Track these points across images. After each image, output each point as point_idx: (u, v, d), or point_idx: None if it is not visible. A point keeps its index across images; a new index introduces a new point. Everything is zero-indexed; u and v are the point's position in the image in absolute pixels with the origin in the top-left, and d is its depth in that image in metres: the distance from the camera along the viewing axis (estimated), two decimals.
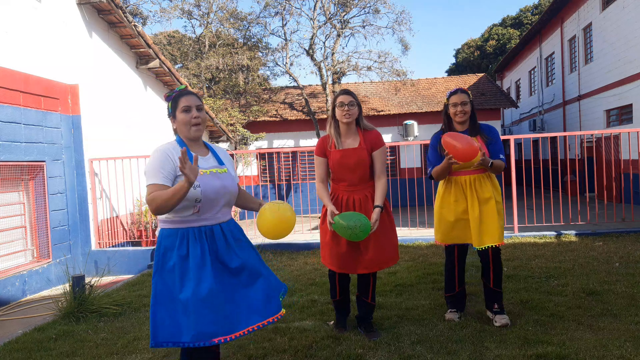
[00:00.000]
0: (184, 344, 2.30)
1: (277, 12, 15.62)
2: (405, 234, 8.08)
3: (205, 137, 12.85)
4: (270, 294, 2.55)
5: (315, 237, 8.20)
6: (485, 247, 3.58)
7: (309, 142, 17.23)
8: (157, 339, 2.34)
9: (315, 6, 15.16)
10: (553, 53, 18.07)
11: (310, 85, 19.34)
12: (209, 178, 2.42)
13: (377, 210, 3.35)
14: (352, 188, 3.47)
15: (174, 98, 2.47)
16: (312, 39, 15.24)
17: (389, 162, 16.73)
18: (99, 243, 7.44)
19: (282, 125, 17.30)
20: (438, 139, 3.65)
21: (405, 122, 16.01)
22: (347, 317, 3.79)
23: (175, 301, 2.33)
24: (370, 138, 3.47)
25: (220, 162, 2.56)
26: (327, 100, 15.44)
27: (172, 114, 2.47)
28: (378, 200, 3.39)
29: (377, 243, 3.41)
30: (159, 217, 2.43)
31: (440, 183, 3.79)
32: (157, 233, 2.51)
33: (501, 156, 3.60)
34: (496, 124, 16.75)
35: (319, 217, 3.75)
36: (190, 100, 2.45)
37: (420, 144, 14.91)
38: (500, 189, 3.73)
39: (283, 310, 2.59)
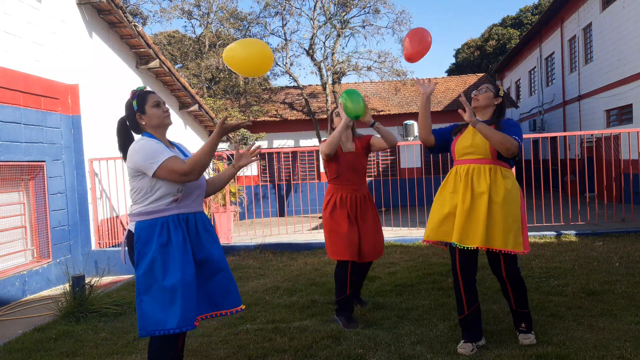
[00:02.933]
0: (170, 330, 2.36)
1: (277, 12, 15.62)
2: (405, 234, 8.08)
3: (205, 137, 12.86)
4: (230, 288, 2.64)
5: (315, 237, 8.20)
6: (466, 247, 3.09)
7: (309, 142, 17.23)
8: (147, 329, 2.40)
9: (315, 6, 15.16)
10: (553, 53, 18.07)
11: (310, 85, 19.34)
12: None
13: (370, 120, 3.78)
14: (354, 187, 3.93)
15: (139, 96, 2.58)
16: (312, 39, 15.24)
17: (388, 162, 16.75)
18: (99, 243, 7.44)
19: (282, 125, 17.30)
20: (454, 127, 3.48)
21: (405, 122, 16.01)
22: (353, 312, 3.92)
23: (160, 289, 2.39)
24: (362, 142, 4.03)
25: (187, 156, 2.69)
26: (327, 100, 15.44)
27: (140, 110, 2.57)
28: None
29: (376, 234, 3.96)
30: (133, 211, 2.50)
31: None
32: (128, 229, 2.53)
33: (513, 136, 3.11)
34: None
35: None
36: (156, 97, 2.62)
37: (420, 144, 14.90)
38: (513, 189, 3.15)
39: (243, 305, 2.70)
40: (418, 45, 3.44)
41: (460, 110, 3.19)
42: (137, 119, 2.58)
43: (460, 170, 3.26)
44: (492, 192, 3.12)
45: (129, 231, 2.52)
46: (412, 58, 3.50)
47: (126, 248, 2.58)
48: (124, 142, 2.65)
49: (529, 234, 7.20)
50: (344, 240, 3.79)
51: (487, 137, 3.09)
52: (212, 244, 2.62)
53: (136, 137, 2.69)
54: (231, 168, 2.82)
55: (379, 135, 3.89)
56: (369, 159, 4.10)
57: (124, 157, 2.60)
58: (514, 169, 7.33)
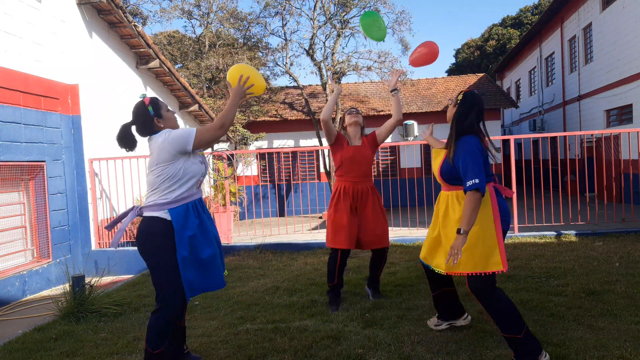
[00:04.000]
0: (208, 289, 2.89)
1: (277, 12, 15.61)
2: (405, 234, 8.07)
3: None
4: (221, 269, 3.02)
5: (315, 237, 8.20)
6: (437, 270, 3.12)
7: (309, 142, 17.23)
8: (193, 291, 2.82)
9: (315, 6, 15.16)
10: (553, 53, 18.07)
11: (310, 85, 19.34)
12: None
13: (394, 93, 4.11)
14: (357, 180, 4.18)
15: (154, 102, 2.91)
16: (312, 39, 15.23)
17: (389, 162, 16.75)
18: (99, 243, 7.44)
19: (282, 125, 17.30)
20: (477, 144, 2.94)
21: (405, 122, 16.02)
22: (339, 298, 4.38)
23: (198, 262, 2.83)
24: (369, 138, 4.31)
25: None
26: (327, 100, 15.43)
27: (157, 115, 2.90)
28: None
29: (375, 225, 4.16)
30: (158, 201, 2.79)
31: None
32: (153, 216, 2.80)
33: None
34: (496, 124, 16.75)
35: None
36: (165, 103, 2.98)
37: (420, 144, 14.91)
38: (481, 219, 2.88)
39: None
40: (425, 56, 3.83)
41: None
42: (155, 123, 2.89)
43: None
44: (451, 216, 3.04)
45: (154, 218, 2.77)
46: (415, 62, 3.89)
47: (126, 234, 2.82)
48: (125, 142, 2.95)
49: (529, 234, 7.20)
50: (343, 230, 4.11)
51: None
52: (213, 225, 3.04)
53: (141, 139, 2.97)
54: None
55: (380, 127, 4.24)
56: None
57: (123, 147, 2.95)
58: (514, 170, 7.34)
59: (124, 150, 2.98)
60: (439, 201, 3.20)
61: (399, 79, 15.53)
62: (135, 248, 7.44)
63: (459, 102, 3.08)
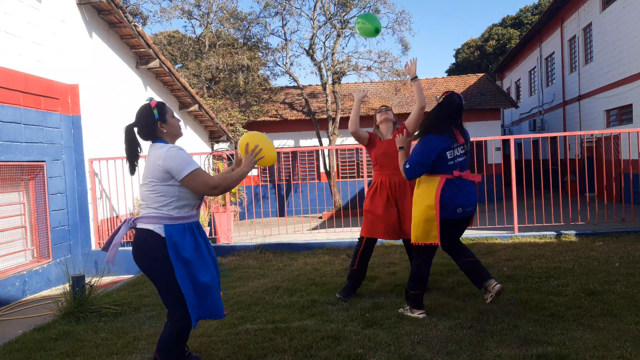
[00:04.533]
0: (204, 316, 2.78)
1: (277, 12, 15.61)
2: None
3: (205, 137, 12.85)
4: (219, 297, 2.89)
5: (315, 237, 8.20)
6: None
7: (309, 142, 17.23)
8: (197, 316, 2.74)
9: (315, 6, 15.16)
10: (553, 53, 18.07)
11: (310, 85, 19.34)
12: None
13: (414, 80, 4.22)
14: (393, 172, 4.36)
15: (159, 106, 2.82)
16: (312, 39, 15.23)
17: None
18: (99, 243, 7.44)
19: (282, 125, 17.30)
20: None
21: (405, 122, 16.03)
22: (355, 290, 4.50)
23: (197, 285, 2.72)
24: (399, 131, 4.30)
25: None
26: (327, 100, 15.44)
27: (161, 119, 2.80)
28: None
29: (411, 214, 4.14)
30: (154, 214, 2.68)
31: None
32: (145, 228, 2.71)
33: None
34: (496, 124, 16.76)
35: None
36: (172, 109, 2.92)
37: None
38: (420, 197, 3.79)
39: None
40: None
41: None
42: (158, 127, 2.79)
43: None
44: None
45: (147, 230, 2.67)
46: None
47: (118, 246, 2.76)
48: (135, 151, 2.84)
49: (529, 234, 7.21)
50: (377, 220, 4.33)
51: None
52: (211, 249, 2.93)
53: (144, 144, 2.83)
54: (229, 170, 3.03)
55: (408, 118, 4.35)
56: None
57: (132, 164, 2.83)
58: (514, 170, 7.34)
59: (123, 150, 2.90)
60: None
61: (399, 78, 15.54)
62: None
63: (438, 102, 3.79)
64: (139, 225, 2.71)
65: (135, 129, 2.84)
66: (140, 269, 2.71)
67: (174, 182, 2.68)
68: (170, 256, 2.64)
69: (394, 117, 4.56)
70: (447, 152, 3.68)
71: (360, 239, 4.48)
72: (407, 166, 3.71)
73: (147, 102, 2.85)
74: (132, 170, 2.86)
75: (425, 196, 3.74)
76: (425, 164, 3.68)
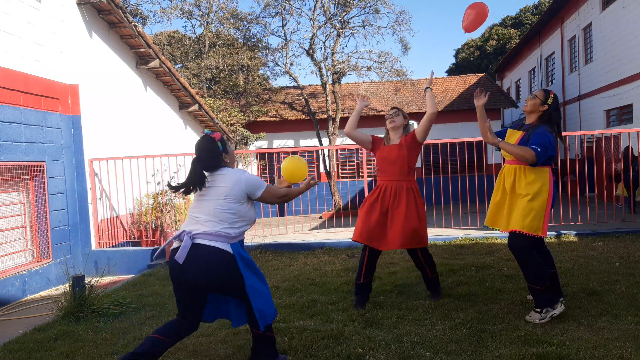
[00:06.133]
0: (273, 318, 3.07)
1: (277, 12, 15.61)
2: None
3: None
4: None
5: (315, 237, 8.20)
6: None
7: (309, 142, 17.23)
8: (267, 321, 3.01)
9: (315, 6, 15.16)
10: (553, 53, 18.07)
11: (310, 85, 19.34)
12: None
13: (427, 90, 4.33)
14: (390, 178, 4.26)
15: (222, 140, 3.08)
16: (312, 39, 15.23)
17: None
18: (99, 243, 7.44)
19: (282, 125, 17.30)
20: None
21: (415, 130, 16.03)
22: (364, 298, 4.33)
23: (265, 290, 3.05)
24: (408, 137, 4.32)
25: None
26: (327, 100, 15.44)
27: (224, 151, 3.07)
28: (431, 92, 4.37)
29: (404, 223, 4.12)
30: (223, 232, 2.90)
31: None
32: (218, 247, 2.91)
33: (533, 146, 3.60)
34: (496, 124, 16.75)
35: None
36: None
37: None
38: (536, 187, 3.69)
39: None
40: (475, 18, 4.12)
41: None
42: (223, 158, 3.05)
43: (504, 169, 3.92)
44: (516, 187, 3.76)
45: (216, 248, 2.87)
46: (468, 27, 4.18)
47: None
48: (201, 181, 2.97)
49: None
50: (366, 225, 4.22)
51: (505, 150, 3.75)
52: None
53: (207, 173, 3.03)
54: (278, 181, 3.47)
55: (419, 125, 4.34)
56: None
57: (190, 190, 2.98)
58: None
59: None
60: (504, 172, 3.90)
61: (399, 78, 15.55)
62: (136, 248, 7.43)
63: (549, 103, 3.77)
64: (207, 242, 2.86)
65: (199, 160, 3.01)
66: (203, 284, 2.88)
67: (245, 202, 3.00)
68: (240, 268, 2.92)
69: (404, 119, 4.42)
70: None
71: (363, 249, 4.36)
72: (540, 150, 3.56)
73: (208, 134, 3.05)
74: (188, 192, 3.02)
75: (538, 186, 3.65)
76: (550, 154, 3.64)
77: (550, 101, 3.76)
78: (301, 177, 3.52)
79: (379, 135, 4.57)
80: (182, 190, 2.98)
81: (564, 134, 7.76)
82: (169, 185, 3.05)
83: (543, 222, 3.63)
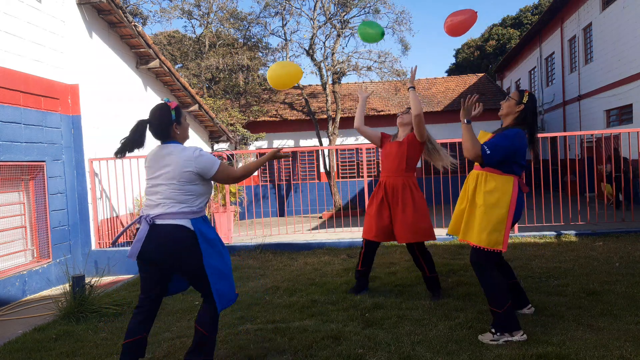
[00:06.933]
0: (234, 300, 2.99)
1: (277, 12, 15.61)
2: None
3: (205, 137, 12.86)
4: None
5: (315, 237, 8.20)
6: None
7: (309, 142, 17.22)
8: (223, 305, 2.91)
9: (315, 6, 15.16)
10: (553, 53, 18.07)
11: (310, 85, 19.34)
12: None
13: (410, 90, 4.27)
14: (389, 174, 4.40)
15: (177, 108, 2.97)
16: (312, 39, 15.23)
17: None
18: (99, 243, 7.44)
19: (282, 125, 17.30)
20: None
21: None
22: (363, 289, 4.65)
23: (227, 268, 2.95)
24: (409, 135, 4.39)
25: None
26: (327, 100, 15.44)
27: (177, 121, 2.95)
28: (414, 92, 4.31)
29: (405, 218, 4.26)
30: (179, 210, 2.83)
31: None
32: (178, 224, 2.84)
33: (483, 145, 3.28)
34: (496, 124, 16.74)
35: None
36: (185, 113, 3.10)
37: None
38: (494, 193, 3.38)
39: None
40: (461, 24, 3.96)
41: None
42: (173, 128, 2.94)
43: (469, 174, 3.66)
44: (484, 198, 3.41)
45: (177, 226, 2.80)
46: (451, 30, 4.00)
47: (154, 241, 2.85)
48: (139, 143, 2.90)
49: (529, 233, 7.22)
50: (370, 220, 4.43)
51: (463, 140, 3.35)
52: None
53: (153, 142, 2.94)
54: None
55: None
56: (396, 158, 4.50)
57: (125, 150, 2.89)
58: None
59: (126, 150, 2.93)
60: (469, 178, 3.60)
61: (399, 78, 15.56)
62: None
63: (525, 102, 3.46)
64: (166, 222, 2.80)
65: (148, 125, 2.95)
66: (166, 263, 2.84)
67: (199, 181, 2.89)
68: (200, 244, 2.83)
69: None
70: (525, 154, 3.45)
71: (362, 240, 4.58)
72: (488, 152, 3.26)
73: (165, 102, 2.96)
74: (122, 154, 2.93)
75: (497, 196, 3.35)
76: (506, 157, 3.32)
77: (525, 100, 3.46)
78: (289, 83, 3.58)
79: (389, 133, 4.67)
80: (121, 150, 2.90)
81: (564, 134, 7.79)
82: (115, 153, 2.95)
83: (503, 236, 3.32)
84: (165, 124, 2.91)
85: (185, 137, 3.05)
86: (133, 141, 2.89)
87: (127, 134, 2.95)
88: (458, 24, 3.93)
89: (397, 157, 4.36)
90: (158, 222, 2.81)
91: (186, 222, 2.83)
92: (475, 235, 3.36)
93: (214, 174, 2.90)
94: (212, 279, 2.85)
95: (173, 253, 2.80)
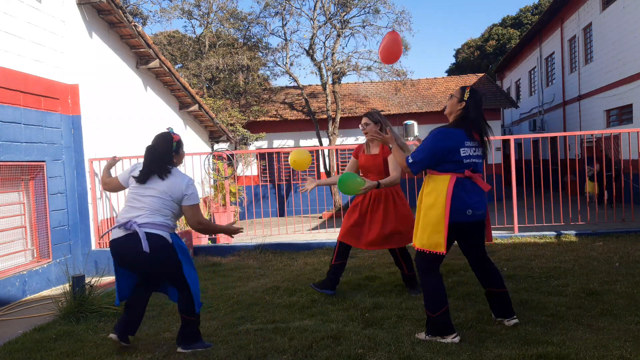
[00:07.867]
0: (201, 305, 3.52)
1: (277, 12, 15.62)
2: None
3: (205, 137, 12.85)
4: None
5: (315, 237, 8.20)
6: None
7: (309, 142, 17.23)
8: (200, 305, 3.48)
9: (315, 6, 15.16)
10: (553, 53, 18.07)
11: (310, 85, 19.34)
12: None
13: (373, 183, 4.13)
14: None
15: (179, 141, 3.49)
16: (312, 39, 15.24)
17: None
18: (99, 243, 7.43)
19: (282, 125, 17.30)
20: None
21: (405, 122, 16.01)
22: (328, 288, 4.63)
23: (196, 279, 3.47)
24: (386, 148, 4.42)
25: None
26: (327, 100, 15.44)
27: (176, 151, 3.46)
28: (382, 180, 4.23)
29: (382, 226, 4.40)
30: (162, 222, 3.32)
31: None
32: (157, 233, 3.35)
33: (408, 157, 3.39)
34: (496, 124, 16.75)
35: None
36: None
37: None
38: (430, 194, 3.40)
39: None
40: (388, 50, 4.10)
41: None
42: (172, 157, 3.44)
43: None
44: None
45: (159, 235, 3.29)
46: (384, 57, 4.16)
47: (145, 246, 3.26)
48: (152, 164, 3.38)
49: (529, 234, 7.22)
50: (346, 225, 4.58)
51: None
52: None
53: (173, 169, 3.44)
54: None
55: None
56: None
57: (151, 175, 3.36)
58: (514, 170, 7.33)
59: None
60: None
61: (399, 78, 15.56)
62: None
63: (466, 98, 3.40)
64: (151, 230, 3.25)
65: (153, 149, 3.43)
66: (151, 266, 3.32)
67: (179, 204, 3.39)
68: (177, 253, 3.36)
69: (376, 124, 4.47)
70: (462, 150, 3.34)
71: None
72: (411, 161, 3.34)
73: (169, 131, 3.47)
74: (145, 179, 3.36)
75: (433, 196, 3.33)
76: (433, 158, 3.32)
77: (466, 97, 3.35)
78: (304, 165, 4.39)
79: (361, 143, 4.81)
80: (146, 175, 3.34)
81: (564, 134, 7.79)
82: (134, 177, 3.39)
83: (443, 237, 3.25)
84: (167, 154, 3.41)
85: (180, 163, 3.54)
86: (150, 165, 3.38)
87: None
88: (384, 50, 4.10)
89: (374, 169, 4.50)
90: (149, 230, 3.24)
91: (166, 235, 3.33)
92: (418, 238, 3.43)
93: (187, 206, 3.36)
94: (191, 284, 3.39)
95: (156, 260, 3.27)
